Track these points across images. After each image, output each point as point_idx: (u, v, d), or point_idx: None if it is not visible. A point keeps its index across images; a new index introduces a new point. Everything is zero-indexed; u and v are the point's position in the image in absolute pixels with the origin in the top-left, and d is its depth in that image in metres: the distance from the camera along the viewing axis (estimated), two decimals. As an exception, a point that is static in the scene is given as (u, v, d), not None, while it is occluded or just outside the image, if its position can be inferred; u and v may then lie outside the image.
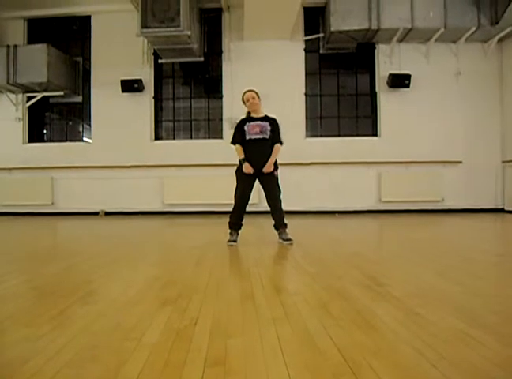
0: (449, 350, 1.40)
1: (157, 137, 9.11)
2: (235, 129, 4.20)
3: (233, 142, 4.19)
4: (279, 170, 4.22)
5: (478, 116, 8.63)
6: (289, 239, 4.08)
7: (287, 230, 4.17)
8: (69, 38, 9.31)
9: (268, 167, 4.08)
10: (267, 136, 4.08)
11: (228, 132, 8.70)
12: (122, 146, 8.83)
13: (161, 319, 1.76)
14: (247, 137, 4.08)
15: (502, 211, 8.56)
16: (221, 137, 8.84)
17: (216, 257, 3.47)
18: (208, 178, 8.53)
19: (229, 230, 4.23)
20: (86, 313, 1.87)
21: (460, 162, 8.58)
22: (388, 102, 8.72)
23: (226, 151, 8.49)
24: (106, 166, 8.76)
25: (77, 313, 1.87)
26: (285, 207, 4.22)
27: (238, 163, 4.22)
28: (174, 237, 5.49)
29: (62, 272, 2.88)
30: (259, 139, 4.07)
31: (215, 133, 9.02)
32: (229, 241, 4.14)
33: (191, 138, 9.15)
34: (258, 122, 4.10)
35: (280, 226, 4.17)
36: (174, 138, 9.17)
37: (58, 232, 6.45)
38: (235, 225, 4.22)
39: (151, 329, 1.63)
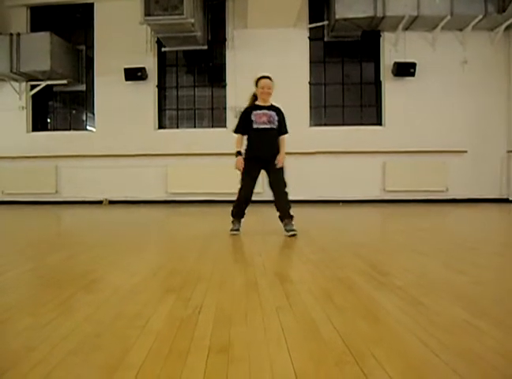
0: (452, 339, 1.40)
1: (161, 126, 9.10)
2: (240, 117, 4.08)
3: (236, 131, 4.09)
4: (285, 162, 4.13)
5: (484, 105, 8.56)
6: (293, 230, 3.91)
7: (292, 222, 3.98)
8: (72, 26, 9.26)
9: (281, 161, 4.02)
10: (274, 126, 3.97)
11: (232, 120, 8.66)
12: (125, 135, 8.82)
13: (165, 307, 1.77)
14: (254, 126, 3.95)
15: (506, 201, 8.53)
16: (225, 126, 8.82)
17: (219, 246, 3.48)
18: (212, 167, 8.52)
19: (231, 219, 4.19)
20: (90, 301, 1.88)
21: (465, 151, 8.53)
22: (393, 91, 8.65)
23: (230, 140, 8.48)
24: (109, 155, 8.77)
25: (81, 302, 1.88)
26: (289, 196, 4.17)
27: (243, 153, 4.11)
28: (177, 226, 5.50)
29: (66, 260, 2.89)
30: (267, 128, 3.95)
31: (218, 121, 9.00)
32: (232, 230, 4.12)
33: (195, 127, 9.14)
34: (265, 111, 3.96)
35: (285, 217, 4.00)
36: (177, 127, 9.16)
37: (62, 221, 6.48)
38: (238, 214, 4.18)
39: (155, 317, 1.64)
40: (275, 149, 4.01)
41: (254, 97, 4.08)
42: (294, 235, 3.87)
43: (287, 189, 4.06)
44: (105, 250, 3.32)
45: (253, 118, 3.96)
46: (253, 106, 4.04)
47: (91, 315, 1.68)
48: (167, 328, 1.54)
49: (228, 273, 2.46)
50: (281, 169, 4.05)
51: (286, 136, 4.11)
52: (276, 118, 3.99)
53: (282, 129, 4.06)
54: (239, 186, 4.15)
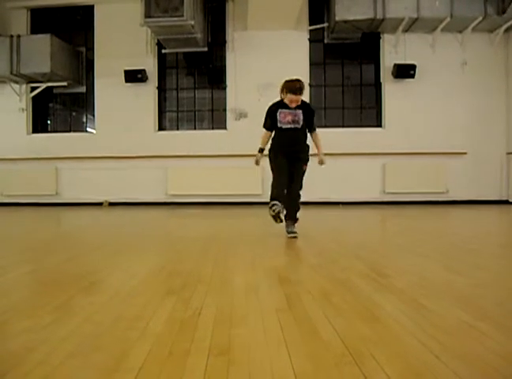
0: (452, 341, 1.40)
1: (161, 128, 9.11)
2: (268, 112, 3.98)
3: (264, 126, 4.02)
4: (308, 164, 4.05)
5: (483, 107, 8.57)
6: (293, 232, 3.89)
7: (295, 225, 3.96)
8: (72, 28, 9.27)
9: (321, 161, 4.06)
10: (299, 126, 3.88)
11: (232, 122, 8.70)
12: (125, 136, 8.82)
13: (165, 309, 1.76)
14: (278, 125, 3.89)
15: (506, 202, 8.53)
16: (225, 128, 8.82)
17: (219, 247, 3.47)
18: (212, 169, 8.53)
19: (278, 219, 3.87)
20: (90, 303, 1.87)
21: (465, 153, 8.54)
22: (393, 92, 8.66)
23: (230, 142, 8.53)
24: (109, 157, 8.77)
25: (81, 304, 1.87)
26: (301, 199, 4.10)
27: (270, 153, 4.02)
28: (177, 228, 5.50)
29: (66, 262, 2.88)
30: (290, 128, 3.87)
31: (219, 123, 9.00)
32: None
33: (195, 129, 9.14)
34: (291, 110, 3.85)
35: (289, 218, 3.97)
36: (177, 129, 9.16)
37: (62, 222, 6.47)
38: (278, 196, 3.80)
39: (155, 319, 1.64)
40: (298, 147, 3.95)
41: (284, 90, 3.89)
42: (294, 237, 3.84)
43: (301, 192, 4.00)
44: (105, 252, 3.32)
45: (278, 116, 3.89)
46: (280, 103, 3.93)
47: (90, 317, 1.68)
48: (166, 329, 1.53)
49: (228, 275, 2.45)
50: (302, 171, 4.00)
51: (318, 133, 4.05)
52: (301, 116, 3.87)
53: (311, 126, 3.98)
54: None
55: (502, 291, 2.08)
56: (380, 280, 2.25)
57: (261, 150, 4.01)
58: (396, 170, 8.52)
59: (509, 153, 8.56)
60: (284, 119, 3.87)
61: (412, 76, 8.39)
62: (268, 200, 3.89)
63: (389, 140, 8.56)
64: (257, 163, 4.06)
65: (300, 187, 3.99)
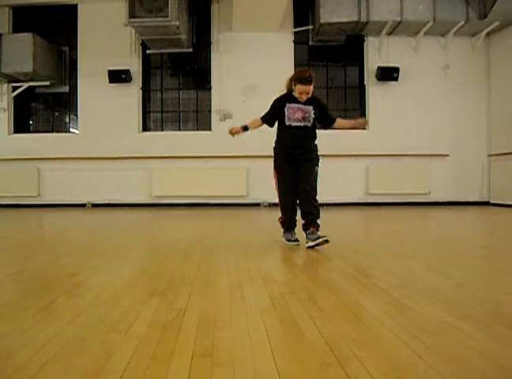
0: (435, 341, 1.41)
1: (145, 129, 9.05)
2: (273, 106, 3.59)
3: (265, 121, 3.61)
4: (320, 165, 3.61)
5: (465, 110, 8.70)
6: (319, 237, 3.35)
7: (318, 232, 3.43)
8: (55, 27, 9.17)
9: (362, 122, 3.78)
10: (309, 124, 3.46)
11: (217, 123, 8.68)
12: (109, 137, 8.74)
13: (149, 311, 1.75)
14: (287, 122, 3.45)
15: (487, 204, 8.67)
16: (210, 129, 8.81)
17: (204, 249, 3.46)
18: (197, 170, 8.50)
19: (282, 231, 3.66)
20: (73, 305, 1.85)
21: (447, 155, 8.66)
22: (376, 95, 8.75)
23: (215, 143, 8.51)
24: (93, 158, 8.68)
25: (64, 306, 1.85)
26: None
27: (274, 154, 3.62)
28: (162, 229, 5.46)
29: (48, 264, 2.85)
30: (299, 127, 3.44)
31: (203, 124, 8.98)
32: (289, 240, 3.59)
33: (179, 130, 9.10)
34: (301, 106, 3.44)
35: (311, 224, 3.47)
36: (162, 130, 9.12)
37: (45, 224, 6.39)
38: (290, 224, 3.62)
39: (138, 321, 1.63)
40: (307, 147, 3.52)
41: (292, 82, 3.47)
42: (325, 242, 3.34)
43: (316, 195, 3.54)
44: (88, 254, 3.28)
45: (286, 112, 3.46)
46: (289, 96, 3.52)
47: (74, 319, 1.66)
48: (150, 331, 1.52)
49: (212, 276, 2.45)
50: (313, 172, 3.52)
51: (339, 119, 3.70)
52: (312, 114, 3.46)
53: (328, 119, 3.62)
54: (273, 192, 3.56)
55: (485, 292, 2.11)
56: (364, 281, 2.27)
57: (246, 128, 3.59)
58: (379, 172, 8.60)
59: (490, 155, 8.70)
60: (293, 116, 3.45)
61: (396, 78, 8.48)
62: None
63: (373, 141, 8.64)
64: (231, 132, 3.61)
65: (312, 188, 3.50)
